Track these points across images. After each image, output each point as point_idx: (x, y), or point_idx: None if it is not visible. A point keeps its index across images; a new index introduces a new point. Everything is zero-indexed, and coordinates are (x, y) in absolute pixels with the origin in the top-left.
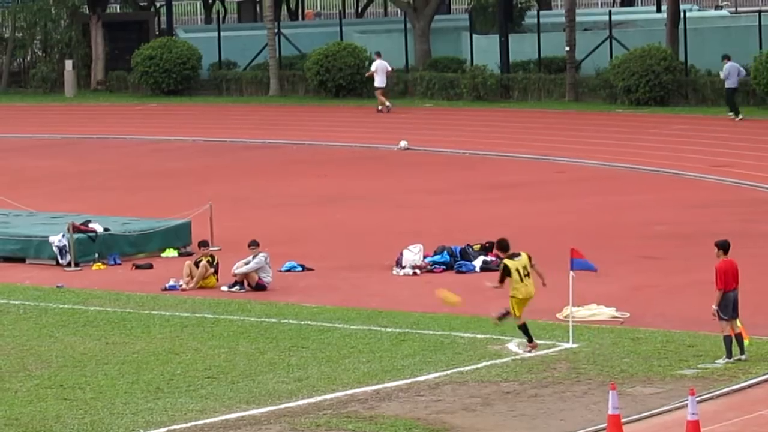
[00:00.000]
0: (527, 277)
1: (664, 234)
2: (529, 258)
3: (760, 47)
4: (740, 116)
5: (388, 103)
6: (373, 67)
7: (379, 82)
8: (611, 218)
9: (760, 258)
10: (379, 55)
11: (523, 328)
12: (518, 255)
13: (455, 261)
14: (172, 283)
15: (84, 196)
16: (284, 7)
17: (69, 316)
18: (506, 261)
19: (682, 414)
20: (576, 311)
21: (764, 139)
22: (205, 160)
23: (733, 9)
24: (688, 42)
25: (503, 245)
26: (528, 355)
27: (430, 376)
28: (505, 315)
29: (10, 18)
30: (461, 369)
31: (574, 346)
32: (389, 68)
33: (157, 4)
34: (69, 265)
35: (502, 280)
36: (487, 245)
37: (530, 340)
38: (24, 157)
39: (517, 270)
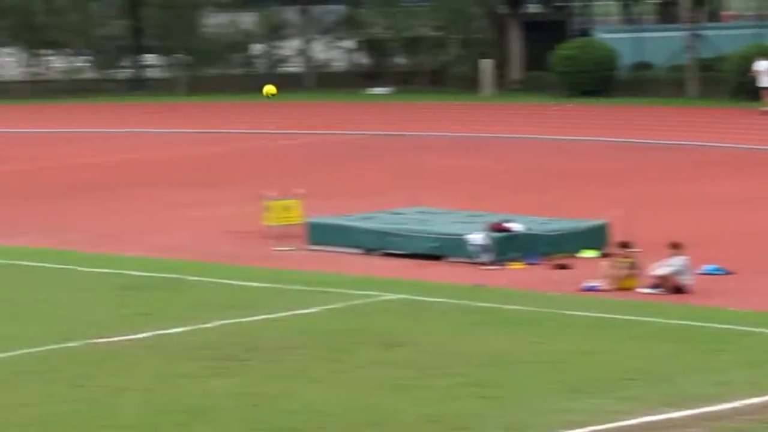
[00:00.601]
0: None
1: None
2: None
3: None
4: None
5: None
6: (758, 67)
7: (766, 82)
8: None
9: None
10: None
11: None
12: None
13: None
14: (591, 283)
15: (498, 195)
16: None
17: (488, 314)
18: None
19: None
20: None
21: None
22: (621, 160)
23: None
24: None
25: None
26: None
27: None
28: None
29: (429, 17)
30: None
31: None
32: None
33: (574, 4)
34: (488, 263)
35: None
36: None
37: None
38: (442, 156)
39: None
